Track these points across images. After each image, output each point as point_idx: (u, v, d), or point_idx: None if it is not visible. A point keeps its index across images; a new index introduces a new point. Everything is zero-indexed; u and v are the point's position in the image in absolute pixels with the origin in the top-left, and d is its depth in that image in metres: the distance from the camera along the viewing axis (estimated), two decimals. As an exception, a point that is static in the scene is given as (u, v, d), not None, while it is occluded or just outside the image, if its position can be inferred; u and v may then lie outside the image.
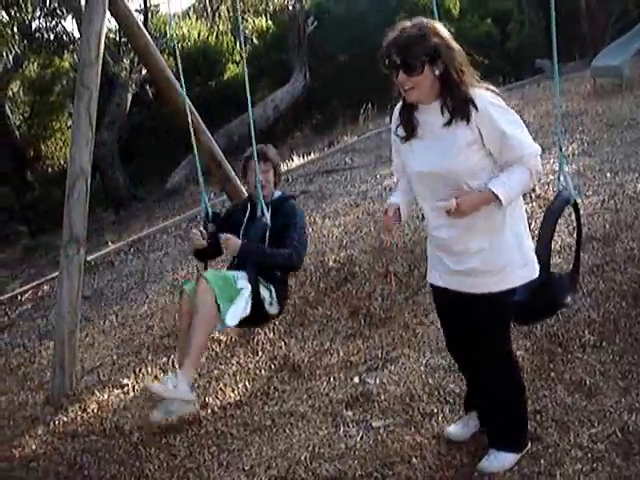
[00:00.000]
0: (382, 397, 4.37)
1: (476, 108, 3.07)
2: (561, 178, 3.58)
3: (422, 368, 4.56)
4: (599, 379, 4.06)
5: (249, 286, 4.47)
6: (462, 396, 4.17)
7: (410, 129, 3.25)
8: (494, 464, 3.51)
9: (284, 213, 4.70)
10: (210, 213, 5.01)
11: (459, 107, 3.09)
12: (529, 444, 3.59)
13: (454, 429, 3.82)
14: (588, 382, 4.03)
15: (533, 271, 3.30)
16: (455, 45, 3.09)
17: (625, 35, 11.70)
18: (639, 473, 3.30)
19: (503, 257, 3.23)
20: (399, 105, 3.32)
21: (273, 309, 4.63)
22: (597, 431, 3.64)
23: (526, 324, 4.35)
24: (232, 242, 4.54)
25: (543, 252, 3.38)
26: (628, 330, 4.42)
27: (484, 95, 3.11)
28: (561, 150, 3.66)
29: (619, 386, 3.97)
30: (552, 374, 4.18)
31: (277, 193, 4.89)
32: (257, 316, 4.55)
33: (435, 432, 3.93)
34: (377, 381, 4.55)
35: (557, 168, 6.87)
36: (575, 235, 3.92)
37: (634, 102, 9.47)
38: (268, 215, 4.63)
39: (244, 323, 4.54)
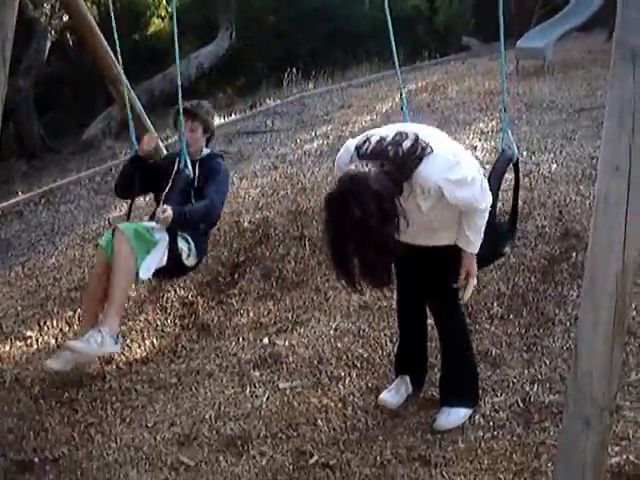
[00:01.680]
0: (290, 359, 4.38)
1: (426, 183, 3.10)
2: (504, 138, 3.78)
3: (331, 332, 4.57)
4: (504, 350, 4.14)
5: (166, 237, 4.42)
6: (370, 361, 4.22)
7: None
8: (450, 420, 3.60)
9: (208, 169, 4.65)
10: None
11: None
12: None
13: (388, 396, 3.84)
14: (494, 353, 4.12)
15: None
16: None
17: (551, 19, 11.88)
18: (538, 441, 3.39)
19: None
20: None
21: (191, 261, 4.59)
22: (500, 400, 3.73)
23: None
24: (168, 214, 4.31)
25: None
26: (535, 304, 4.52)
27: (433, 169, 3.10)
28: (505, 111, 3.78)
29: (523, 358, 4.06)
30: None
31: (206, 151, 4.82)
32: (174, 267, 4.53)
33: (341, 395, 3.96)
34: (286, 343, 4.55)
35: (477, 143, 6.99)
36: (512, 189, 4.04)
37: (554, 85, 9.62)
38: (191, 170, 4.56)
39: (160, 274, 4.51)
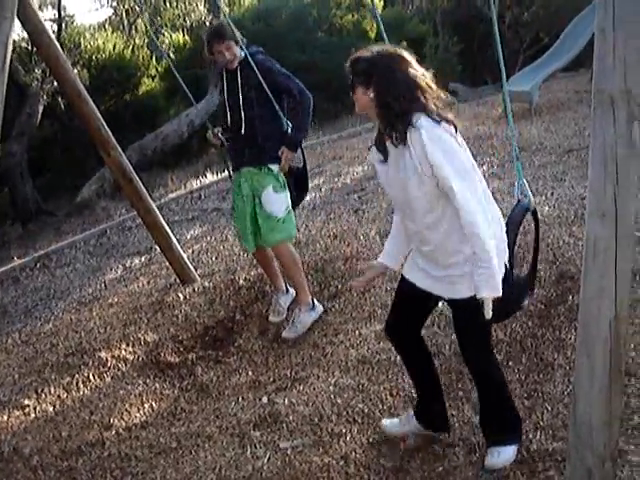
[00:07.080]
0: (290, 417, 4.33)
1: (412, 138, 3.10)
2: (519, 187, 3.64)
3: (331, 388, 4.53)
4: (505, 399, 4.09)
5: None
6: (370, 415, 4.18)
7: (383, 154, 3.31)
8: (501, 459, 3.53)
9: (255, 76, 4.96)
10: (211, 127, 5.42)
11: (398, 135, 3.16)
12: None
13: (389, 422, 3.86)
14: (494, 402, 4.06)
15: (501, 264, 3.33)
16: (400, 76, 3.18)
17: (536, 61, 12.01)
18: (542, 492, 3.34)
19: None
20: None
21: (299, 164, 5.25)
22: (503, 450, 3.67)
23: None
24: (290, 156, 5.04)
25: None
26: (534, 350, 4.48)
27: (423, 125, 3.11)
28: (518, 160, 3.66)
29: (524, 405, 4.01)
30: (460, 393, 4.21)
31: (240, 55, 5.07)
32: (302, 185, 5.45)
33: (343, 452, 3.91)
34: (286, 401, 4.50)
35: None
36: (533, 242, 3.93)
37: (542, 127, 9.69)
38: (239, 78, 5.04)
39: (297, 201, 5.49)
